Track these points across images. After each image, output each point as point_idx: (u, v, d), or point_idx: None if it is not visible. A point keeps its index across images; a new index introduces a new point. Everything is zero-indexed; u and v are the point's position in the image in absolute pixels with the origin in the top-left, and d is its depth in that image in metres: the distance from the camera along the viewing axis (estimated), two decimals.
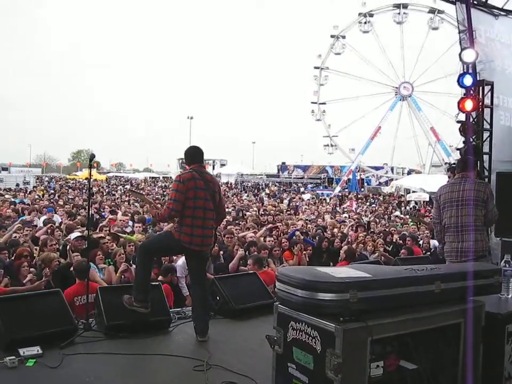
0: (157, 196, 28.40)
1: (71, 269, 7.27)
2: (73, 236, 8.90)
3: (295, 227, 12.75)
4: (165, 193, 33.89)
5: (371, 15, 53.85)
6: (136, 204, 18.77)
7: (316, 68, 55.64)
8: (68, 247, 8.19)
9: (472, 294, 3.40)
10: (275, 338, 3.22)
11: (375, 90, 55.30)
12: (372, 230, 14.24)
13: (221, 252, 9.37)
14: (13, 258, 7.83)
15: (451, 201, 5.49)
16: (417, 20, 53.12)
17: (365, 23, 53.98)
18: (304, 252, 9.89)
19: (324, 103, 56.11)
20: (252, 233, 11.08)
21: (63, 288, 6.32)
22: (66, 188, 37.69)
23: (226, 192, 37.62)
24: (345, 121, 56.75)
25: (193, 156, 5.83)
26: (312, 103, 56.45)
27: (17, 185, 39.52)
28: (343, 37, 54.89)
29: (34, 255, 8.11)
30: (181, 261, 8.06)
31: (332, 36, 54.89)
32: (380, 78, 54.79)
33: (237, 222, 14.00)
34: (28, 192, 28.47)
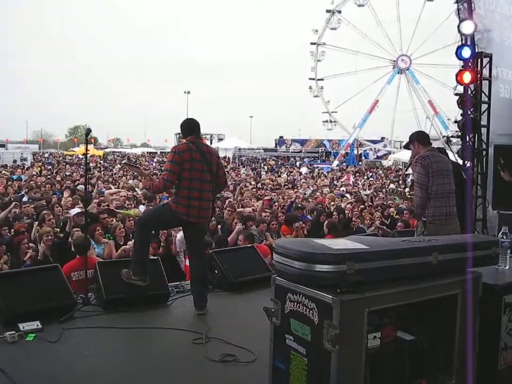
0: (154, 171, 28.31)
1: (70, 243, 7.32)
2: (73, 211, 8.91)
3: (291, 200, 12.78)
4: (162, 167, 33.86)
5: None
6: (131, 181, 18.80)
7: (312, 43, 55.30)
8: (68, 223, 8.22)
9: (470, 265, 3.41)
10: (273, 310, 3.22)
11: (373, 64, 55.20)
12: (370, 203, 14.27)
13: (219, 226, 9.40)
14: (12, 234, 7.87)
15: (441, 170, 5.86)
16: None
17: None
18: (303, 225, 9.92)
19: (322, 79, 55.95)
20: (250, 209, 11.06)
21: (61, 262, 6.35)
22: (64, 163, 37.55)
23: (225, 167, 37.51)
24: (344, 97, 56.77)
25: (189, 128, 5.79)
26: (310, 79, 56.35)
27: (15, 161, 39.39)
28: (339, 12, 54.51)
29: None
30: (179, 235, 8.08)
31: (328, 11, 54.41)
32: (377, 52, 54.64)
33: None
34: (25, 169, 28.40)
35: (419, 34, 52.20)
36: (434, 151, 6.09)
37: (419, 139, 6.16)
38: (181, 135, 5.98)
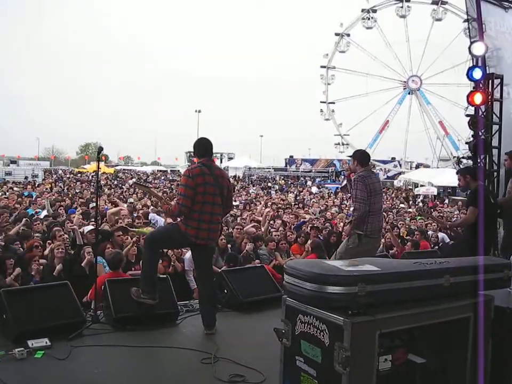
0: (164, 189, 28.39)
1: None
2: (86, 229, 8.95)
3: (303, 220, 12.75)
4: (172, 186, 33.96)
5: (374, 11, 53.69)
6: (143, 198, 18.85)
7: (322, 67, 55.47)
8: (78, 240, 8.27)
9: (482, 288, 3.38)
10: (283, 331, 3.21)
11: (384, 86, 55.23)
12: None
13: (229, 245, 9.38)
14: (25, 250, 7.91)
15: (377, 190, 6.63)
16: (420, 12, 53.25)
17: (368, 19, 53.81)
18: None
19: (333, 103, 55.98)
20: (252, 227, 11.00)
21: (71, 279, 6.36)
22: (74, 181, 37.75)
23: (234, 186, 37.59)
24: (356, 118, 56.76)
25: (204, 148, 5.75)
26: (321, 102, 56.37)
27: (26, 178, 39.66)
28: (348, 35, 54.71)
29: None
30: (188, 254, 8.08)
31: (337, 34, 54.71)
32: (388, 73, 54.74)
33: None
34: (36, 185, 28.58)
35: (429, 54, 52.47)
36: (370, 172, 6.85)
37: (360, 158, 6.80)
38: (191, 153, 6.00)
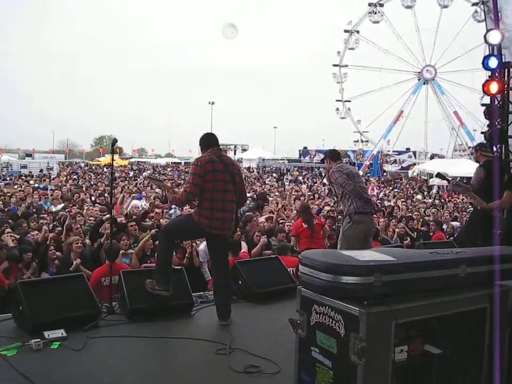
0: (179, 181, 28.42)
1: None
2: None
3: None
4: (186, 178, 33.90)
5: (381, 5, 53.00)
6: (158, 190, 18.88)
7: (334, 65, 54.98)
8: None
9: (499, 278, 3.35)
10: (298, 322, 3.20)
11: (398, 79, 54.79)
12: (394, 214, 14.18)
13: (242, 236, 9.37)
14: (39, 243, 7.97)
15: (353, 173, 7.14)
16: (427, 1, 52.90)
17: (375, 13, 53.14)
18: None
19: (349, 101, 55.53)
20: (264, 219, 11.02)
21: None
22: (89, 173, 37.94)
23: (247, 177, 37.57)
24: (373, 113, 56.34)
25: (208, 140, 5.81)
26: (336, 101, 55.89)
27: (41, 171, 39.91)
28: (357, 32, 54.11)
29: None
30: (202, 245, 8.08)
31: (346, 31, 54.15)
32: (401, 66, 54.25)
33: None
34: (51, 178, 28.76)
35: (440, 42, 51.93)
36: (343, 163, 7.37)
37: (331, 156, 7.27)
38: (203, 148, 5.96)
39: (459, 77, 51.84)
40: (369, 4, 53.06)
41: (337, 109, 56.30)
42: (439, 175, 7.92)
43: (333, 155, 7.34)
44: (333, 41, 54.43)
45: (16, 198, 14.73)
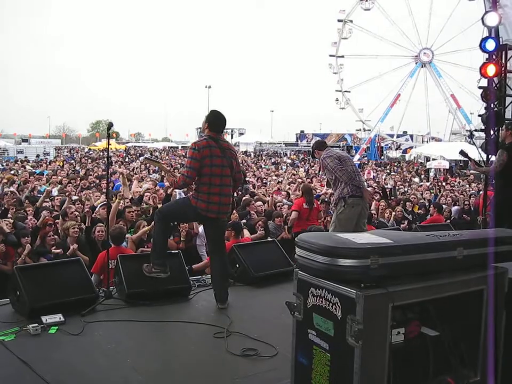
0: (175, 166, 28.39)
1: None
2: (99, 204, 9.02)
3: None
4: (183, 162, 34.01)
5: None
6: (155, 174, 18.87)
7: (331, 56, 54.41)
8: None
9: (495, 260, 3.35)
10: (295, 304, 3.20)
11: (397, 64, 54.74)
12: (391, 197, 14.21)
13: (243, 220, 9.35)
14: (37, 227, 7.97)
15: (344, 157, 7.20)
16: None
17: (366, 0, 52.36)
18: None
19: (348, 91, 55.14)
20: (261, 203, 11.00)
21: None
22: (86, 158, 37.85)
23: (244, 161, 37.56)
24: (373, 101, 56.37)
25: (218, 124, 5.73)
26: (336, 91, 55.51)
27: (38, 156, 39.81)
28: (351, 21, 53.41)
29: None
30: (200, 228, 8.09)
31: (339, 20, 53.49)
32: (398, 51, 53.92)
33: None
34: (48, 163, 28.70)
35: (435, 24, 51.74)
36: (330, 149, 7.37)
37: (318, 147, 7.39)
38: (201, 128, 5.93)
39: (457, 57, 51.64)
40: None
41: (337, 99, 55.99)
42: (462, 153, 8.02)
43: (320, 145, 7.45)
44: (332, 24, 53.61)
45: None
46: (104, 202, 8.83)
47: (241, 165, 6.36)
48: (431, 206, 12.35)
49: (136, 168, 24.97)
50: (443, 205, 12.85)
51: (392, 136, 57.76)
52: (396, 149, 55.59)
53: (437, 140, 54.25)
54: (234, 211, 8.32)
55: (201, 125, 5.85)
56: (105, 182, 8.61)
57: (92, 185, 14.95)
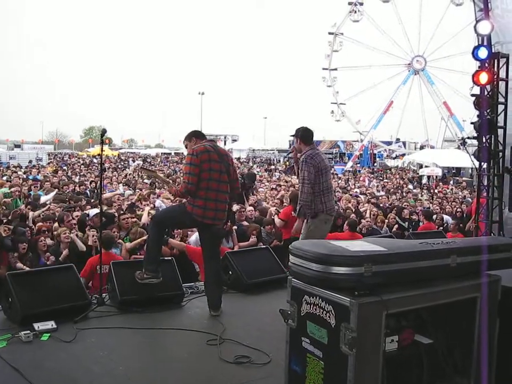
0: (168, 171, 28.36)
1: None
2: (92, 212, 8.98)
3: None
4: (176, 169, 33.98)
5: (361, 4, 52.54)
6: (146, 181, 18.79)
7: (324, 69, 54.59)
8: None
9: (488, 268, 3.36)
10: (289, 312, 3.20)
11: (390, 73, 54.96)
12: (380, 204, 14.27)
13: (235, 227, 9.33)
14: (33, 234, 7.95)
15: (327, 167, 6.37)
16: None
17: (355, 12, 52.50)
18: None
19: (344, 104, 55.27)
20: (251, 208, 10.89)
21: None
22: (79, 164, 37.76)
23: (238, 168, 37.59)
24: (369, 112, 56.57)
25: (196, 134, 5.83)
26: (331, 103, 55.64)
27: (30, 161, 39.66)
28: (341, 34, 53.65)
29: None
30: (194, 236, 8.07)
31: (330, 33, 53.56)
32: (391, 60, 54.24)
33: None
34: (40, 168, 28.59)
35: (426, 31, 51.97)
36: (316, 149, 6.47)
37: (303, 137, 6.42)
38: (193, 138, 5.92)
39: (449, 63, 51.77)
40: (349, 3, 52.75)
41: (332, 112, 56.01)
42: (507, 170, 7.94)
43: (305, 135, 6.46)
44: (325, 35, 53.86)
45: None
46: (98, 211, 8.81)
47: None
48: (421, 214, 12.34)
49: (129, 175, 24.90)
50: (436, 213, 12.88)
51: (389, 143, 57.95)
52: (394, 158, 55.69)
53: (430, 147, 54.41)
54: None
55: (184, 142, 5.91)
56: (99, 188, 8.59)
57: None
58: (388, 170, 43.57)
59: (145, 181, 18.90)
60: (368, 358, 2.81)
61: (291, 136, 6.68)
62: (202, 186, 5.43)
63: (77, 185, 16.40)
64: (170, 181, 5.94)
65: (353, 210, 11.98)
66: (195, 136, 5.76)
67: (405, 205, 14.22)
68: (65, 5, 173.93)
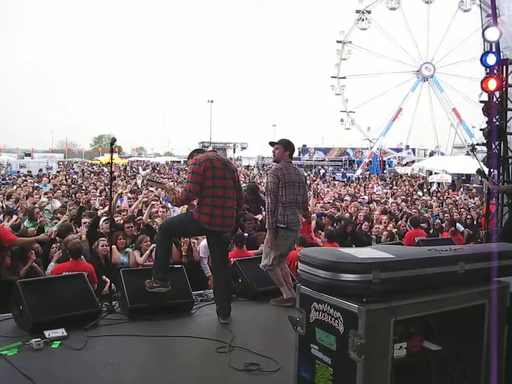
0: (179, 180, 28.37)
1: None
2: (102, 219, 9.03)
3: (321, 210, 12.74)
4: (185, 176, 34.03)
5: (369, 12, 52.19)
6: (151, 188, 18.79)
7: (333, 77, 54.48)
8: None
9: (497, 274, 3.36)
10: (297, 319, 3.21)
11: (399, 80, 54.74)
12: (390, 211, 14.23)
13: (246, 234, 9.33)
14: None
15: (292, 181, 6.28)
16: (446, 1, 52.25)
17: (362, 20, 52.10)
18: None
19: (353, 112, 55.20)
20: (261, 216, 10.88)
21: None
22: (88, 172, 37.90)
23: (247, 175, 37.55)
24: (379, 119, 56.35)
25: (197, 151, 6.01)
26: (341, 111, 55.51)
27: (40, 170, 39.86)
28: (349, 42, 53.65)
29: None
30: (203, 242, 8.09)
31: (339, 42, 53.52)
32: (399, 67, 54.15)
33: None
34: (50, 177, 28.72)
35: (446, 43, 51.70)
36: (289, 163, 6.46)
37: (286, 146, 6.46)
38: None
39: (458, 69, 51.60)
40: (357, 11, 52.73)
41: (342, 120, 55.79)
42: (480, 172, 7.89)
43: (288, 146, 6.49)
44: (332, 41, 53.83)
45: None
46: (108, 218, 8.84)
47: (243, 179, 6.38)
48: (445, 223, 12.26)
49: (134, 185, 24.87)
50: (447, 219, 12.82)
51: (398, 150, 57.80)
52: (404, 165, 55.48)
53: (439, 153, 54.21)
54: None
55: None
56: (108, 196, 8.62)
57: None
58: (398, 177, 43.44)
59: (151, 189, 18.93)
60: (377, 364, 2.82)
61: (272, 143, 6.60)
62: (208, 193, 5.46)
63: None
64: (176, 191, 5.96)
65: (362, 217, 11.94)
66: (196, 153, 5.88)
67: (413, 212, 14.16)
68: (64, 5, 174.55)
